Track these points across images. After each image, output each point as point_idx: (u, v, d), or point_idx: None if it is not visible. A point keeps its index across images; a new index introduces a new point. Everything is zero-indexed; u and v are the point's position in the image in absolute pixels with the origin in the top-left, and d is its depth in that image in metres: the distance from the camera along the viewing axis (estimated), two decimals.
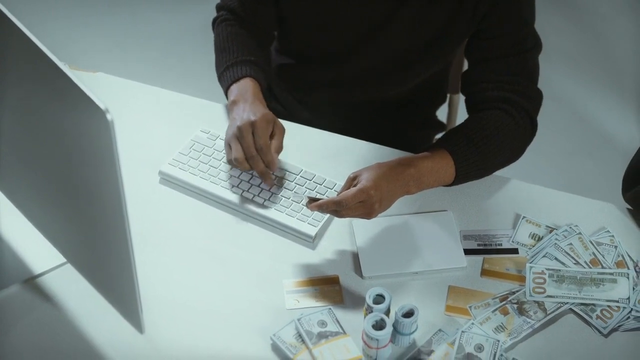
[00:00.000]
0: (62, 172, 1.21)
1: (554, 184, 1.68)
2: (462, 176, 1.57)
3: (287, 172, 1.62)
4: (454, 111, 2.09)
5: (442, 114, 2.05)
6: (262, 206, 1.57)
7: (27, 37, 1.09)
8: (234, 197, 1.58)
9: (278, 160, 1.63)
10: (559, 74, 3.13)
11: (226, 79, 1.67)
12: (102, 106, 1.01)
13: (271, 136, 1.57)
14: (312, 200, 1.47)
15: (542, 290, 1.46)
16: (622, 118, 3.04)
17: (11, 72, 1.19)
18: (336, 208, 1.45)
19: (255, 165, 1.55)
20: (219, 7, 1.81)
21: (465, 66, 1.75)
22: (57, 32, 3.24)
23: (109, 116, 1.01)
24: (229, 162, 1.58)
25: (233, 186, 1.59)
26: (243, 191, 1.59)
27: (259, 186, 1.59)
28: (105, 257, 1.25)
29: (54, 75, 1.07)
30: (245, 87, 1.64)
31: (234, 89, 1.64)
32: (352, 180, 1.49)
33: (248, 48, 1.71)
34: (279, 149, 1.58)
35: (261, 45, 1.77)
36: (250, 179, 1.60)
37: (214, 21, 1.80)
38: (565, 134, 2.98)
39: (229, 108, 1.63)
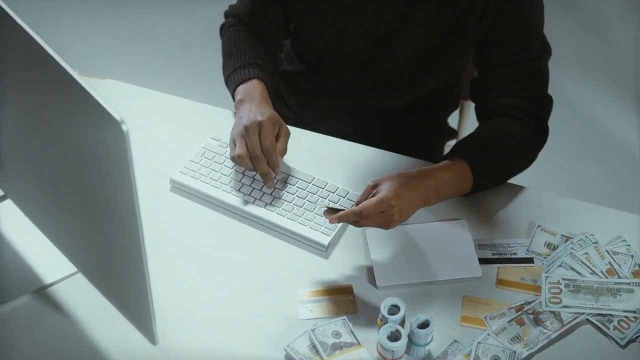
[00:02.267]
0: (75, 182, 1.19)
1: (561, 189, 1.67)
2: (479, 186, 1.56)
3: (299, 180, 1.60)
4: (465, 118, 2.08)
5: (453, 120, 2.03)
6: (275, 214, 1.55)
7: (40, 45, 1.08)
8: (245, 205, 1.57)
9: (290, 167, 1.62)
10: (566, 79, 3.12)
11: (233, 80, 1.68)
12: (117, 117, 1.00)
13: (276, 138, 1.57)
14: (330, 210, 1.45)
15: (558, 301, 1.44)
16: (629, 123, 3.03)
17: (23, 81, 1.18)
18: (356, 219, 1.43)
19: (258, 165, 1.54)
20: (227, 14, 1.81)
21: (475, 73, 1.74)
22: (63, 37, 3.23)
23: (124, 127, 1.00)
24: (232, 159, 1.57)
25: (245, 194, 1.58)
26: (255, 199, 1.57)
27: (271, 194, 1.58)
28: (118, 266, 1.24)
29: (67, 84, 1.06)
30: (253, 88, 1.64)
31: (241, 89, 1.65)
32: (371, 189, 1.47)
33: (256, 52, 1.71)
34: (284, 152, 1.58)
35: (268, 52, 1.76)
36: (262, 186, 1.59)
37: (222, 27, 1.80)
38: (572, 138, 2.96)
39: (236, 107, 1.63)
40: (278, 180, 1.59)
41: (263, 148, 1.54)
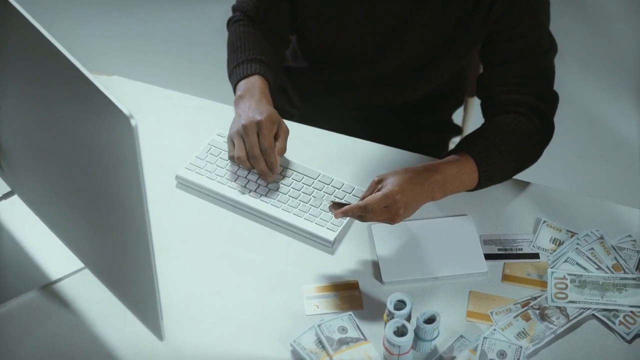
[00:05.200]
0: (83, 177, 1.20)
1: (567, 187, 1.67)
2: (485, 181, 1.56)
3: (305, 177, 1.60)
4: (469, 114, 2.08)
5: (457, 117, 2.03)
6: (281, 211, 1.56)
7: (50, 41, 1.08)
8: (251, 202, 1.57)
9: (295, 163, 1.62)
10: (571, 77, 3.12)
11: (236, 76, 1.68)
12: (126, 111, 1.00)
13: (275, 137, 1.57)
14: (335, 205, 1.46)
15: (564, 296, 1.44)
16: (635, 120, 3.03)
17: (33, 77, 1.18)
18: (361, 213, 1.43)
19: (256, 165, 1.55)
20: (234, 8, 1.81)
21: (481, 69, 1.74)
22: (70, 36, 3.23)
23: (133, 121, 1.00)
24: (230, 158, 1.58)
25: (250, 190, 1.58)
26: (261, 195, 1.58)
27: (277, 190, 1.58)
28: (125, 262, 1.24)
29: (77, 80, 1.06)
30: (254, 83, 1.64)
31: (242, 84, 1.65)
32: (376, 184, 1.47)
33: (259, 48, 1.71)
34: (282, 151, 1.58)
35: (274, 48, 1.76)
36: (267, 183, 1.59)
37: (229, 21, 1.80)
38: (577, 136, 2.96)
39: (235, 103, 1.63)
40: (281, 176, 1.60)
41: (262, 148, 1.55)
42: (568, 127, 2.94)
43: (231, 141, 1.58)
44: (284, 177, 1.60)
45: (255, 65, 1.67)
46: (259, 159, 1.54)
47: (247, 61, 1.68)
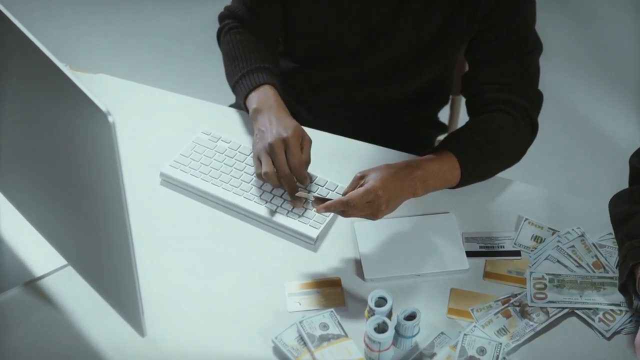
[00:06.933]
0: (63, 174, 1.20)
1: (553, 185, 1.68)
2: (466, 179, 1.57)
3: None
4: (455, 112, 2.09)
5: (443, 115, 2.04)
6: (264, 208, 1.56)
7: (28, 38, 1.08)
8: (235, 199, 1.58)
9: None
10: (558, 74, 3.13)
11: (243, 87, 1.65)
12: (103, 108, 1.01)
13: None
14: (318, 200, 1.46)
15: (543, 296, 1.45)
16: (622, 118, 3.04)
17: (12, 74, 1.18)
18: (343, 208, 1.44)
19: (287, 184, 1.53)
20: (222, 17, 1.79)
21: (467, 68, 1.75)
22: (58, 33, 3.24)
23: (110, 118, 1.01)
24: (258, 176, 1.55)
25: (234, 188, 1.59)
26: (244, 192, 1.58)
27: (260, 188, 1.59)
28: (106, 259, 1.25)
29: (55, 76, 1.07)
30: (266, 94, 1.62)
31: (254, 97, 1.62)
32: (358, 180, 1.48)
33: (260, 55, 1.69)
34: (308, 162, 1.56)
35: (271, 52, 1.75)
36: (250, 180, 1.60)
37: (220, 32, 1.78)
38: (565, 134, 2.97)
39: (252, 117, 1.60)
40: (308, 191, 1.58)
41: (291, 166, 1.52)
42: (556, 126, 2.95)
43: (257, 159, 1.54)
44: (307, 191, 1.59)
45: (261, 74, 1.65)
46: (289, 178, 1.52)
47: (252, 71, 1.65)
